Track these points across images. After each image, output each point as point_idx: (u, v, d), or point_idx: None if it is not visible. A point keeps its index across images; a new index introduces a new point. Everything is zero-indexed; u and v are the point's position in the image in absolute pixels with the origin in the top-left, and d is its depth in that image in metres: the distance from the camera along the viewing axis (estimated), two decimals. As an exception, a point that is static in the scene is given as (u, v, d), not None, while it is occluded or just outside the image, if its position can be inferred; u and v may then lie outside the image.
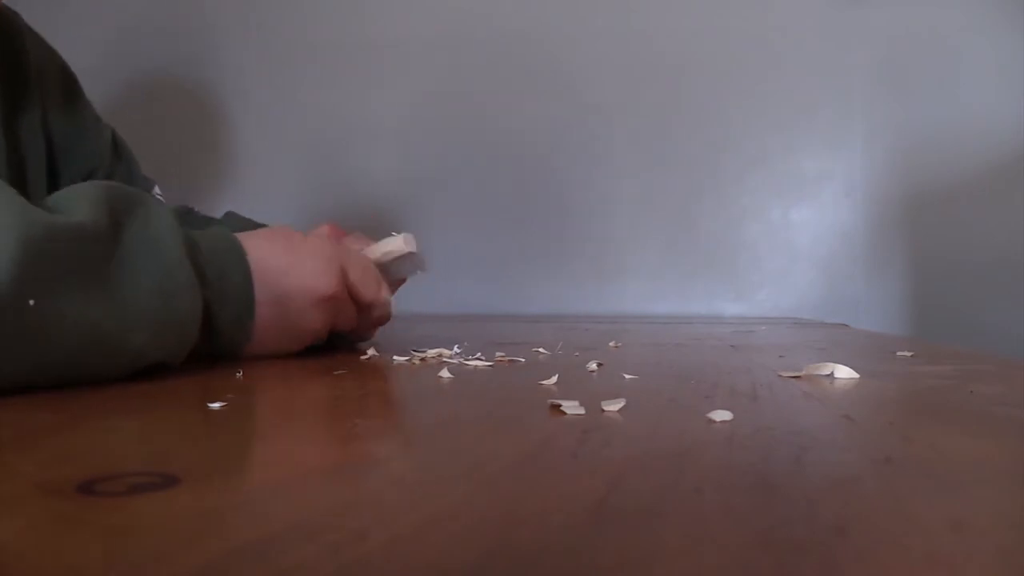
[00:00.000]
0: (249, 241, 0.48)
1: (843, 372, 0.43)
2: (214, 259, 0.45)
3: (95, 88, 0.76)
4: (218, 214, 0.85)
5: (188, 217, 0.79)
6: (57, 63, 0.74)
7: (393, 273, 0.60)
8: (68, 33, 0.82)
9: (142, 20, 1.41)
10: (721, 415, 0.30)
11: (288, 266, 0.49)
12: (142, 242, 0.39)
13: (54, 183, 0.71)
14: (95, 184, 0.40)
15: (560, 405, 0.32)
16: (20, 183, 0.65)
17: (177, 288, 0.40)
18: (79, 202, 0.37)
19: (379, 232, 0.63)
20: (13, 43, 0.69)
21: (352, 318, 0.55)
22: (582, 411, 0.31)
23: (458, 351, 0.54)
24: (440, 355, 0.52)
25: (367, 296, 0.54)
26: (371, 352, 0.54)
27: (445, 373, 0.43)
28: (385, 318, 0.60)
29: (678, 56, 1.32)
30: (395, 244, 0.59)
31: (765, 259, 1.31)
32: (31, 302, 0.32)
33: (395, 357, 0.51)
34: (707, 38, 1.31)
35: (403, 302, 0.62)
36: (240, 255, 0.46)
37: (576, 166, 1.33)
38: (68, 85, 0.75)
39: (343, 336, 0.60)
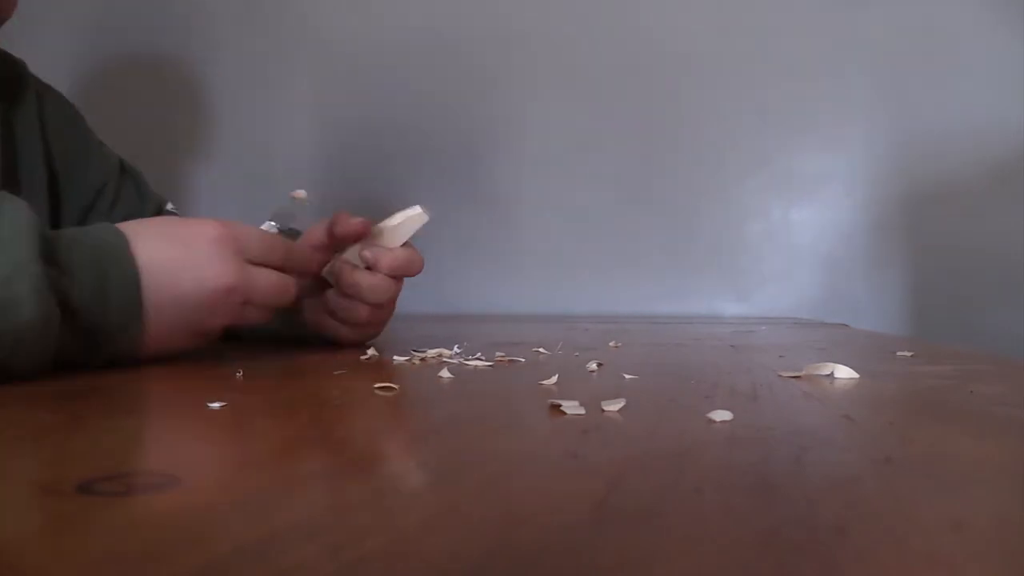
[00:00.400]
0: (137, 239, 0.44)
1: (843, 372, 0.43)
2: (89, 266, 0.42)
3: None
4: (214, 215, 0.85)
5: None
6: (58, 96, 0.76)
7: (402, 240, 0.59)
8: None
9: (132, 12, 1.41)
10: (721, 415, 0.30)
11: (180, 262, 0.45)
12: None
13: (56, 202, 0.72)
14: None
15: (560, 405, 0.32)
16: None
17: (15, 298, 0.37)
18: None
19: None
20: (15, 76, 0.71)
21: (269, 289, 0.50)
22: (582, 411, 0.31)
23: (458, 351, 0.54)
24: (440, 355, 0.52)
25: (275, 259, 0.50)
26: (371, 352, 0.54)
27: (445, 373, 0.43)
28: (379, 291, 0.57)
29: (678, 56, 1.32)
30: (410, 211, 0.58)
31: (765, 259, 1.31)
32: None
33: (395, 357, 0.51)
34: (707, 38, 1.31)
35: (403, 302, 0.62)
36: (123, 257, 0.43)
37: (576, 165, 1.33)
38: (69, 112, 0.76)
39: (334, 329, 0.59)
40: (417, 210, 0.59)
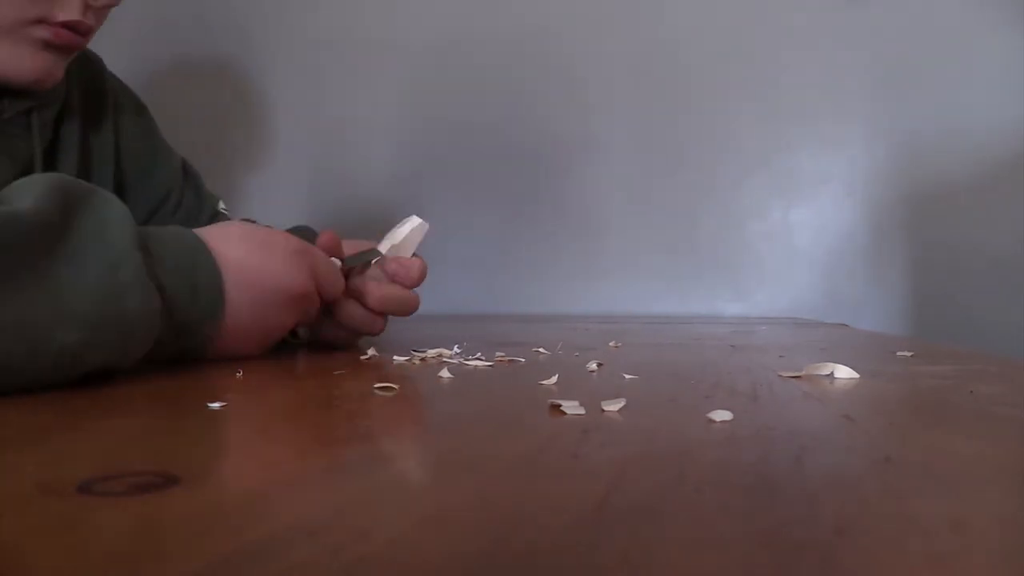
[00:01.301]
0: (219, 241, 0.47)
1: (843, 372, 0.43)
2: (178, 257, 0.44)
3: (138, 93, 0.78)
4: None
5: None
6: (133, 98, 0.78)
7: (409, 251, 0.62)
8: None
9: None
10: (721, 415, 0.30)
11: (262, 265, 0.48)
12: (89, 236, 0.37)
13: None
14: (48, 176, 0.39)
15: (560, 405, 0.31)
16: None
17: (124, 286, 0.38)
18: (25, 192, 0.36)
19: (377, 229, 0.63)
20: (94, 75, 0.73)
21: (315, 314, 0.55)
22: (582, 411, 0.31)
23: (458, 351, 0.54)
24: (440, 355, 0.52)
25: (329, 293, 0.54)
26: (371, 352, 0.54)
27: (445, 373, 0.43)
28: (408, 305, 0.60)
29: (678, 56, 1.32)
30: (411, 223, 0.61)
31: (765, 259, 1.30)
32: None
33: (395, 357, 0.51)
34: (707, 38, 1.31)
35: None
36: (206, 253, 0.45)
37: (575, 166, 1.33)
38: (142, 116, 0.78)
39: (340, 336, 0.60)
40: (416, 221, 0.61)
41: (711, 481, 0.21)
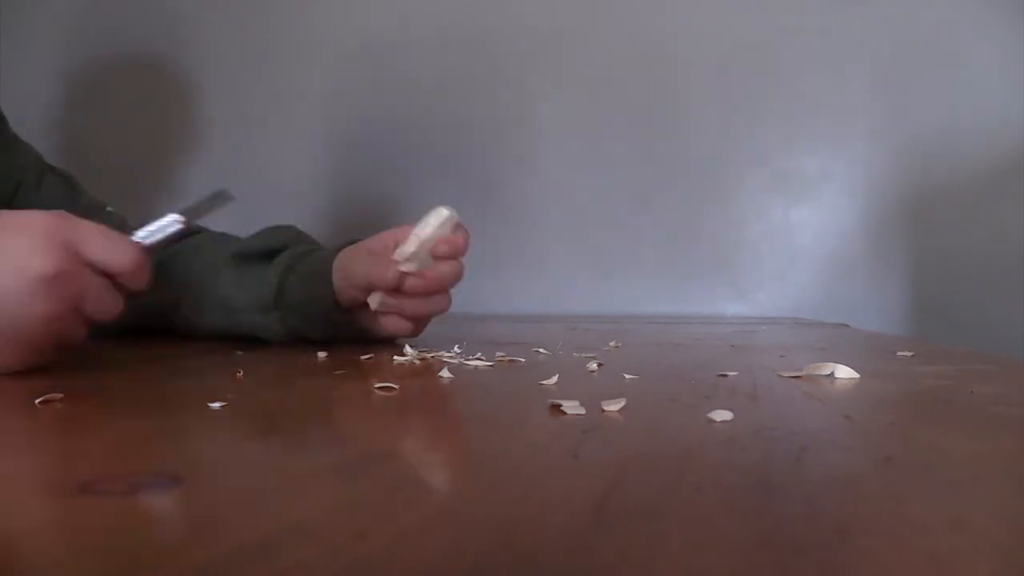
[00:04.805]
0: None
1: (843, 372, 0.43)
2: None
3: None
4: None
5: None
6: None
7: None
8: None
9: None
10: (721, 415, 0.30)
11: None
12: None
13: None
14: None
15: (560, 405, 0.31)
16: None
17: None
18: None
19: (372, 230, 0.63)
20: None
21: (108, 299, 0.44)
22: (582, 411, 0.31)
23: (458, 351, 0.54)
24: (440, 355, 0.52)
25: (118, 264, 0.44)
26: (371, 352, 0.54)
27: (445, 373, 0.43)
28: (437, 306, 0.59)
29: (679, 55, 1.32)
30: (438, 216, 0.57)
31: (765, 259, 1.30)
32: None
33: (395, 357, 0.51)
34: (707, 37, 1.31)
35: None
36: None
37: (576, 165, 1.33)
38: None
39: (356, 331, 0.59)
40: (444, 213, 0.57)
41: (711, 481, 0.21)
